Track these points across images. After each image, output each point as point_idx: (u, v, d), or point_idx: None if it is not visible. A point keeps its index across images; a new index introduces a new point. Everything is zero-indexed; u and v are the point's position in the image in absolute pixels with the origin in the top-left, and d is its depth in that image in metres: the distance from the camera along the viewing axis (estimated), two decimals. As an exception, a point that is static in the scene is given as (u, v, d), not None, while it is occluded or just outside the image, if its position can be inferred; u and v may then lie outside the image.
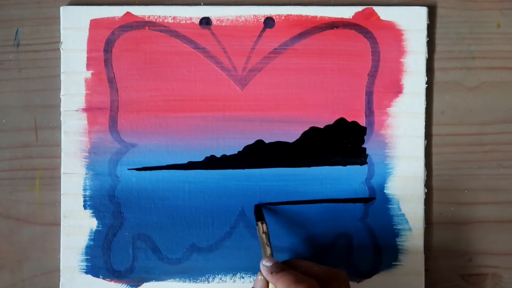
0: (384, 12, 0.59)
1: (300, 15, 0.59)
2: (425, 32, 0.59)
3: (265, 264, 0.52)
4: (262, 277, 0.52)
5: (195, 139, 0.59)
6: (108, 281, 0.59)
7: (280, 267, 0.51)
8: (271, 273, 0.51)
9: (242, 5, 0.59)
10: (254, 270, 0.59)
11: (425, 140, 0.59)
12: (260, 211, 0.57)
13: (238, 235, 0.59)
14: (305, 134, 0.59)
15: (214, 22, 0.59)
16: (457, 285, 0.60)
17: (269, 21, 0.59)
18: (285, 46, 0.59)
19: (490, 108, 0.60)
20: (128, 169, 0.59)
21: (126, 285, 0.59)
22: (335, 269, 0.53)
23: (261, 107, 0.59)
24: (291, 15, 0.59)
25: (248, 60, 0.59)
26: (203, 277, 0.59)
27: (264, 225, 0.55)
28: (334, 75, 0.59)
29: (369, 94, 0.59)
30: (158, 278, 0.59)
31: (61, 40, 0.59)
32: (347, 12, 0.59)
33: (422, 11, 0.59)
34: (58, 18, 0.59)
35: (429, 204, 0.60)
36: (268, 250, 0.54)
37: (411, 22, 0.59)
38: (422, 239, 0.59)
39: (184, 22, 0.59)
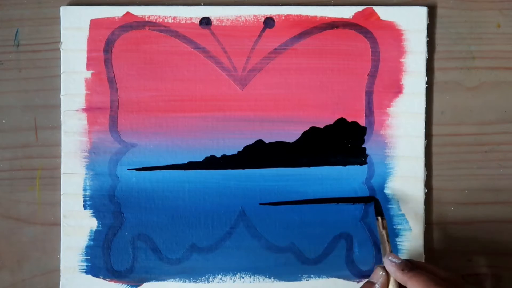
0: (384, 12, 0.59)
1: (300, 15, 0.59)
2: (425, 32, 0.59)
3: (393, 260, 0.51)
4: (383, 273, 0.52)
5: (195, 139, 0.59)
6: (108, 281, 0.59)
7: (413, 266, 0.51)
8: (402, 270, 0.50)
9: (242, 5, 0.59)
10: (254, 270, 0.59)
11: (425, 140, 0.59)
12: (379, 206, 0.57)
13: (238, 235, 0.59)
14: (305, 134, 0.59)
15: (214, 22, 0.59)
16: (457, 285, 0.60)
17: (269, 21, 0.59)
18: (285, 46, 0.59)
19: (490, 108, 0.60)
20: (128, 169, 0.59)
21: (126, 285, 0.59)
22: (455, 273, 0.53)
23: (261, 107, 0.59)
24: (291, 15, 0.59)
25: (248, 60, 0.59)
26: (203, 277, 0.59)
27: (385, 220, 0.55)
28: (334, 75, 0.59)
29: (369, 94, 0.59)
30: (158, 278, 0.59)
31: (61, 40, 0.59)
32: (347, 12, 0.59)
33: (422, 11, 0.59)
34: (58, 18, 0.59)
35: (429, 204, 0.60)
36: (389, 246, 0.54)
37: (411, 22, 0.59)
38: (422, 239, 0.59)
39: (184, 22, 0.59)
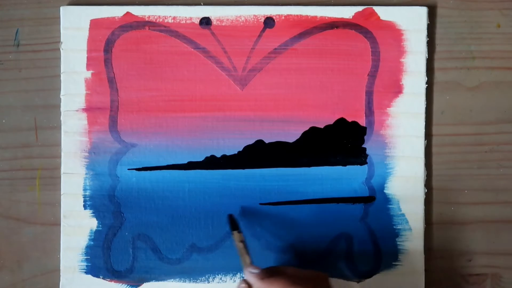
0: (384, 12, 0.59)
1: (300, 15, 0.59)
2: (425, 32, 0.59)
3: (252, 271, 0.52)
4: (245, 285, 0.52)
5: (195, 139, 0.59)
6: (108, 281, 0.59)
7: (271, 272, 0.52)
8: (262, 279, 0.51)
9: (242, 5, 0.59)
10: (254, 270, 0.59)
11: (425, 140, 0.59)
12: (234, 220, 0.57)
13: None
14: (305, 134, 0.59)
15: (214, 22, 0.59)
16: (457, 285, 0.60)
17: (269, 21, 0.59)
18: (285, 46, 0.59)
19: (490, 108, 0.60)
20: (128, 169, 0.59)
21: (126, 285, 0.59)
22: (316, 271, 0.53)
23: (261, 107, 0.59)
24: (291, 15, 0.59)
25: (248, 60, 0.59)
26: (203, 277, 0.59)
27: (241, 234, 0.55)
28: (334, 75, 0.59)
29: (369, 94, 0.59)
30: (158, 278, 0.59)
31: (61, 40, 0.59)
32: (347, 12, 0.59)
33: (422, 11, 0.59)
34: (58, 18, 0.59)
35: (429, 204, 0.60)
36: (248, 258, 0.54)
37: (411, 22, 0.59)
38: (422, 239, 0.59)
39: (184, 22, 0.59)
